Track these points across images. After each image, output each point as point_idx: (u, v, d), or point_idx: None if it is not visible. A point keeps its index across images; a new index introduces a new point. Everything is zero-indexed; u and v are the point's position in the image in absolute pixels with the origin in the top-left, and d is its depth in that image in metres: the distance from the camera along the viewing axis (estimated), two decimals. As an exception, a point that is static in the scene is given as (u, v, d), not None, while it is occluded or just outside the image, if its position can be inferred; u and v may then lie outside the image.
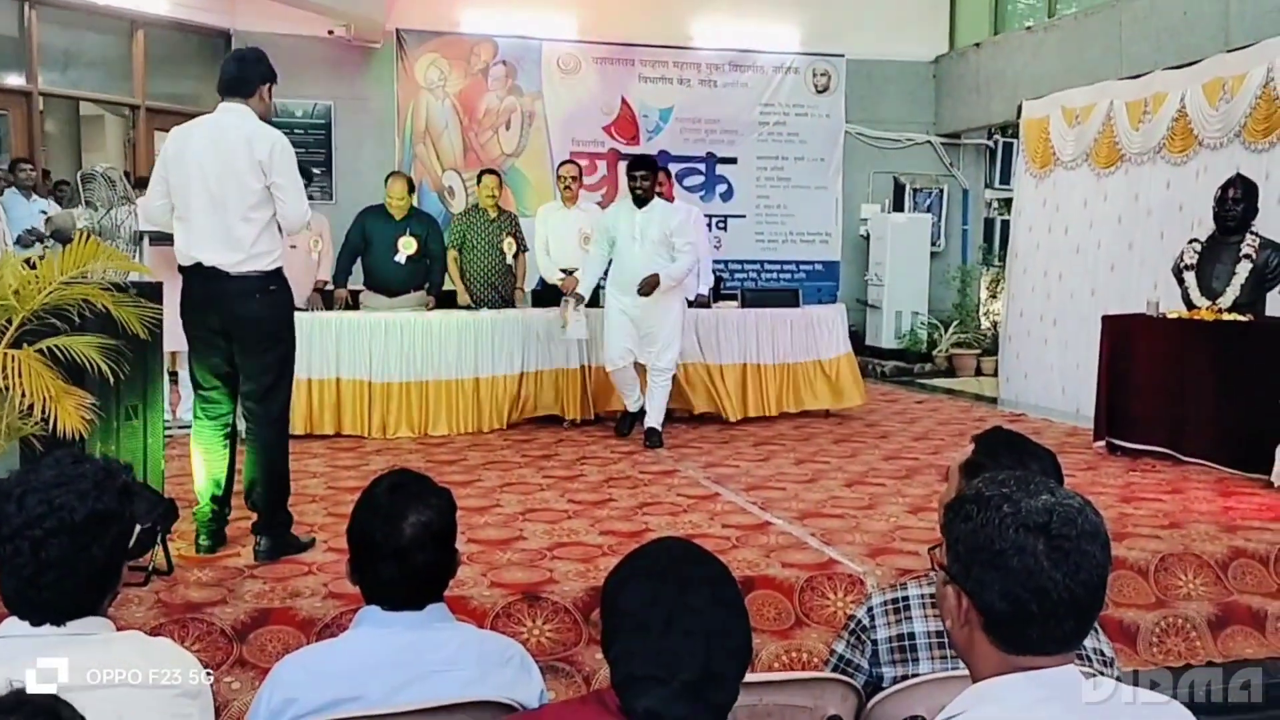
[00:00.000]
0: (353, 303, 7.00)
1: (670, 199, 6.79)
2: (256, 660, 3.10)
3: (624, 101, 10.41)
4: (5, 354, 3.18)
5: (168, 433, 4.24)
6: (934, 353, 10.60)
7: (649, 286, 5.92)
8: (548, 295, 7.11)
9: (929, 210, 11.23)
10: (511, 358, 6.62)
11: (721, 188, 10.79)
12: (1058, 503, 1.32)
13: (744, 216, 10.86)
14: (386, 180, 7.08)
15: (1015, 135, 9.71)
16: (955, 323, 10.75)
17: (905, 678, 2.01)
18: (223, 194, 3.70)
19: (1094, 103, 7.88)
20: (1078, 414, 7.28)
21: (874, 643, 2.07)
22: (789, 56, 10.76)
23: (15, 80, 8.70)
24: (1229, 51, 7.04)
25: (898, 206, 11.18)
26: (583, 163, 8.46)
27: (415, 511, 1.92)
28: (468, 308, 6.87)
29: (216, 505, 3.88)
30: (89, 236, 3.60)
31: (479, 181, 7.28)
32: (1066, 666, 1.33)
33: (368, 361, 6.34)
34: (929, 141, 11.31)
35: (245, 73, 3.83)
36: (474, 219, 7.11)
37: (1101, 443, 6.05)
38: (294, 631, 3.21)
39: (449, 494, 2.02)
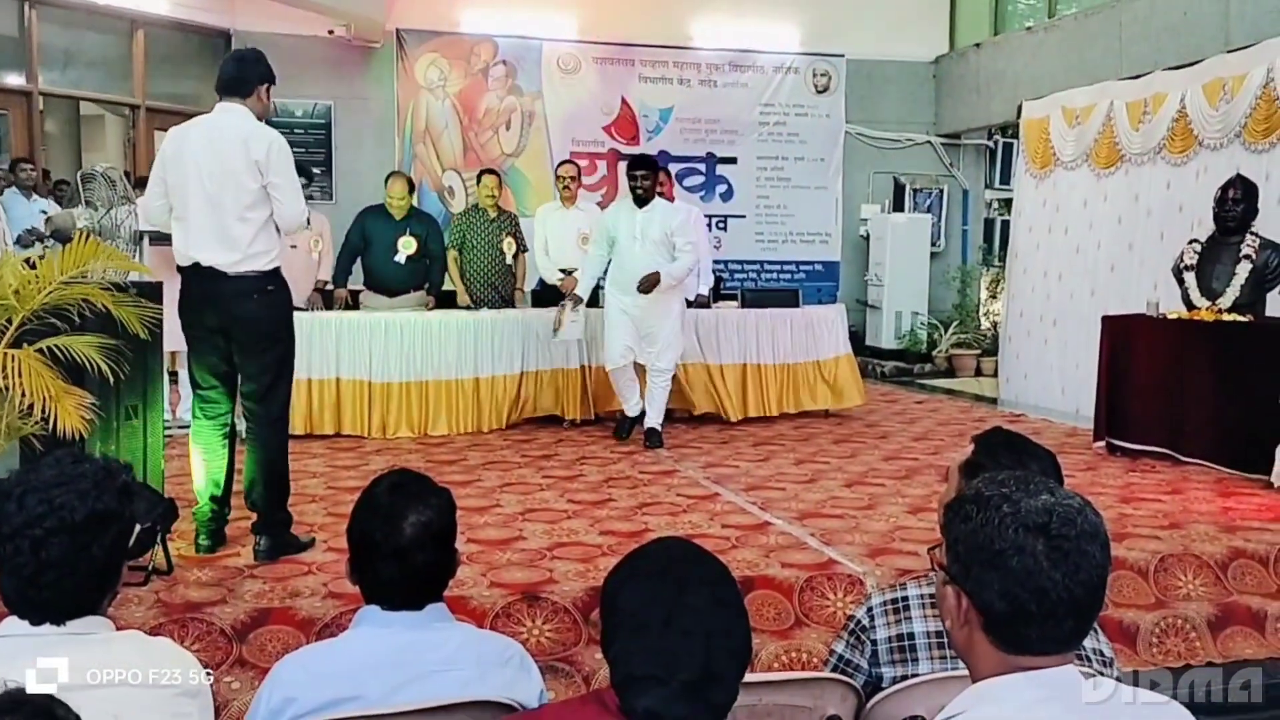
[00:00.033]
0: (353, 303, 7.00)
1: (671, 199, 6.78)
2: (256, 660, 3.10)
3: (624, 101, 10.41)
4: (5, 354, 3.18)
5: (167, 432, 4.24)
6: (934, 353, 10.60)
7: (649, 284, 5.91)
8: (547, 295, 7.11)
9: (929, 210, 11.23)
10: (511, 358, 6.62)
11: (721, 188, 10.79)
12: (1057, 503, 1.33)
13: (744, 217, 10.86)
14: (386, 180, 7.08)
15: (1015, 135, 9.72)
16: (955, 323, 10.74)
17: (905, 678, 2.01)
18: (219, 194, 3.70)
19: (1094, 103, 7.88)
20: (1077, 414, 7.28)
21: (873, 643, 2.07)
22: (789, 56, 10.76)
23: (15, 80, 8.69)
24: (1229, 52, 7.04)
25: (898, 207, 11.18)
26: (583, 163, 8.47)
27: (415, 511, 1.93)
28: (467, 308, 6.87)
29: (216, 505, 3.88)
30: (89, 236, 3.60)
31: (479, 181, 7.28)
32: (1066, 666, 1.33)
33: (367, 361, 6.34)
34: (929, 142, 11.31)
35: (244, 72, 3.83)
36: (474, 219, 7.11)
37: (1101, 443, 6.05)
38: (293, 631, 3.21)
39: (449, 494, 2.02)
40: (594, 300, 6.45)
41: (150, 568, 3.45)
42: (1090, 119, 7.87)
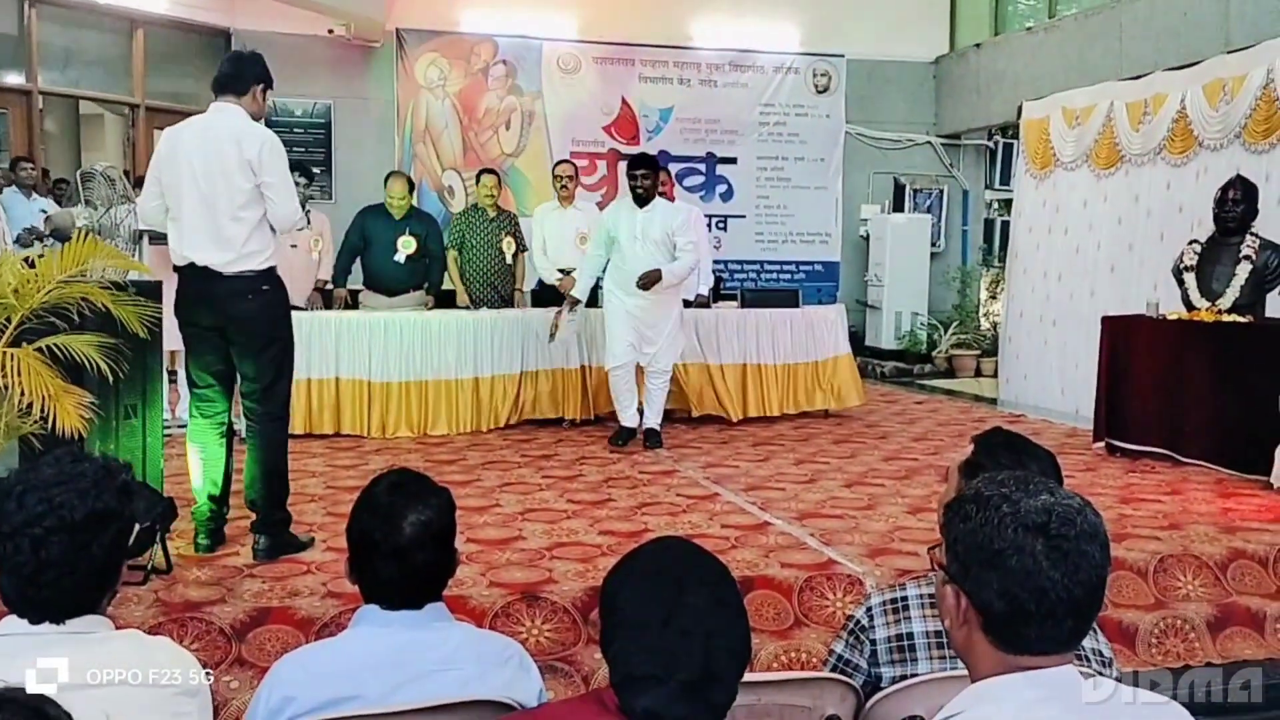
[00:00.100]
0: (352, 302, 7.00)
1: (672, 199, 6.78)
2: (255, 659, 3.10)
3: (624, 101, 10.41)
4: (5, 353, 3.17)
5: (167, 432, 4.24)
6: (933, 353, 10.60)
7: (650, 280, 5.88)
8: (547, 295, 7.11)
9: (929, 211, 11.23)
10: (511, 358, 6.61)
11: (721, 188, 10.79)
12: (1057, 503, 1.33)
13: (744, 217, 10.86)
14: (386, 180, 7.07)
15: (1015, 136, 9.71)
16: (955, 323, 10.75)
17: (904, 678, 2.01)
18: (212, 193, 3.70)
19: (1094, 104, 7.88)
20: (1077, 415, 7.28)
21: (873, 643, 2.07)
22: (789, 56, 10.76)
23: (15, 79, 8.70)
24: (1229, 53, 7.04)
25: (898, 207, 11.18)
26: (582, 163, 8.46)
27: (415, 511, 1.92)
28: (467, 308, 6.87)
29: (214, 504, 3.88)
30: (88, 235, 3.60)
31: (478, 181, 7.28)
32: (1065, 667, 1.33)
33: (367, 361, 6.34)
34: (929, 142, 11.31)
35: (241, 71, 3.83)
36: (473, 219, 7.11)
37: (1101, 444, 6.05)
38: (293, 630, 3.21)
39: (448, 493, 2.02)
40: (593, 300, 6.45)
41: (149, 567, 3.45)
42: (1090, 119, 7.87)
